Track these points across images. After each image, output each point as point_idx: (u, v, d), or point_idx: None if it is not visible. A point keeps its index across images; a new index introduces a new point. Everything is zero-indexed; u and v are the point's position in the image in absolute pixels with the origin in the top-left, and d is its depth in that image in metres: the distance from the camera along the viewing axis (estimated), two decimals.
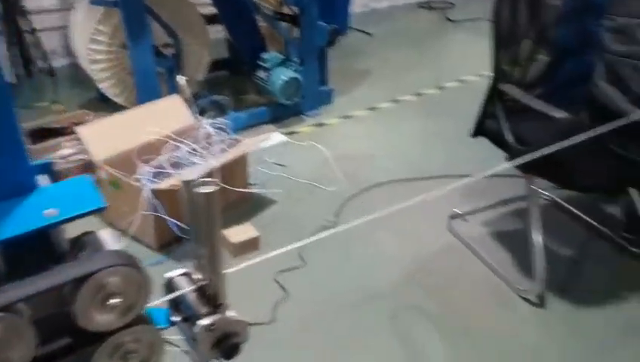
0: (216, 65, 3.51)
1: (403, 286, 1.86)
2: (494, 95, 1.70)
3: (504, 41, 1.67)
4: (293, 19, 2.88)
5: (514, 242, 1.97)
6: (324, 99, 3.15)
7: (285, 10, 2.98)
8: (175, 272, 0.88)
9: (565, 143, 1.26)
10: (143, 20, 2.55)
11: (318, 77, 3.05)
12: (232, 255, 1.94)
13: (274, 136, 2.83)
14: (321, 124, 3.00)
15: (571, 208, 2.08)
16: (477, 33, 3.93)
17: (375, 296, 1.81)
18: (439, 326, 1.69)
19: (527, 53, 1.71)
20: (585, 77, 1.67)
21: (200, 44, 2.96)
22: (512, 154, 1.66)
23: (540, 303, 1.73)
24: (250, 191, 2.27)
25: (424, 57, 3.92)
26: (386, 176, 2.47)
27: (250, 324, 1.73)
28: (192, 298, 0.84)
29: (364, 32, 4.43)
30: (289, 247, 1.08)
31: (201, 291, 0.84)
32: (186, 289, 0.84)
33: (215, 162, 2.00)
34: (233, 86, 3.53)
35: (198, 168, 1.97)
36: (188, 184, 0.74)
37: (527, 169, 1.38)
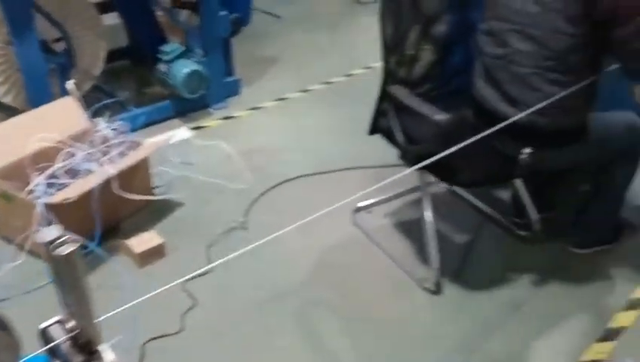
0: (115, 54, 3.34)
1: (309, 283, 1.91)
2: (385, 95, 1.76)
3: (391, 42, 1.71)
4: (193, 6, 2.77)
5: (414, 231, 2.07)
6: (231, 90, 3.09)
7: None
8: (49, 321, 0.86)
9: (449, 146, 1.33)
10: (28, 14, 2.39)
11: (223, 68, 2.98)
12: (137, 265, 1.91)
13: (179, 133, 2.76)
14: (229, 117, 2.96)
15: (465, 195, 2.21)
16: None
17: (282, 295, 1.85)
18: (343, 320, 1.76)
19: (412, 52, 1.76)
20: (467, 76, 1.76)
21: (94, 35, 2.79)
22: (402, 152, 1.74)
23: (436, 290, 1.85)
24: (152, 198, 2.19)
25: (333, 42, 3.93)
26: (295, 170, 2.48)
27: (158, 337, 1.73)
28: (66, 347, 0.83)
29: (271, 14, 4.36)
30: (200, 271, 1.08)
31: (74, 339, 0.83)
32: (59, 339, 0.83)
33: (112, 169, 1.94)
34: (136, 77, 3.39)
35: (92, 178, 1.90)
36: (47, 246, 0.72)
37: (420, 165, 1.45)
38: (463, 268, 1.95)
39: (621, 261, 1.97)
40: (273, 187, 2.38)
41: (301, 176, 2.45)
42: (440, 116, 1.51)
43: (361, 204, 2.18)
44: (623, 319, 1.75)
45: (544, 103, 1.44)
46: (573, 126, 1.60)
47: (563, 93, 1.45)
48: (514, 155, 1.61)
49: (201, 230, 2.10)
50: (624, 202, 1.95)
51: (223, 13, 2.79)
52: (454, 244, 2.05)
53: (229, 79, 3.09)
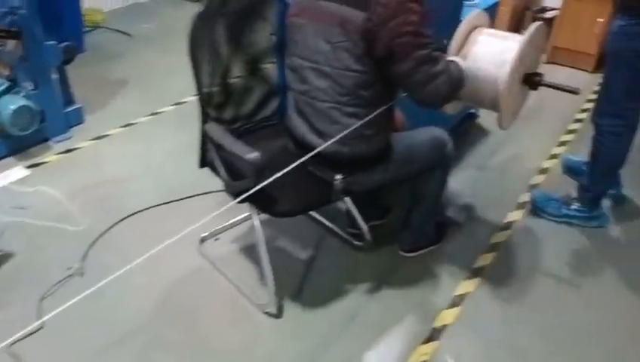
0: None
1: (151, 322, 1.88)
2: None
3: (199, 84, 1.73)
4: (16, 36, 2.58)
5: (256, 256, 2.11)
6: (72, 120, 2.94)
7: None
8: None
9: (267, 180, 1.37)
10: None
11: (59, 98, 2.83)
12: None
13: (13, 173, 2.59)
14: (71, 150, 2.81)
15: None
16: None
17: (123, 338, 1.81)
18: (185, 357, 1.76)
19: (221, 88, 1.80)
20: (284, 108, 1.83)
21: None
22: (225, 187, 1.77)
23: (278, 313, 1.90)
24: None
25: (186, 60, 3.85)
26: (143, 201, 2.41)
27: None
28: None
29: (122, 32, 4.19)
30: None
31: None
32: None
33: None
34: None
35: None
36: None
37: (241, 199, 1.48)
38: (304, 285, 2.03)
39: (446, 259, 2.15)
40: (117, 223, 2.31)
41: (148, 208, 2.40)
42: (251, 155, 1.54)
43: (204, 234, 2.18)
44: (447, 317, 1.92)
45: (341, 135, 1.54)
46: (374, 151, 1.72)
47: (355, 125, 1.55)
48: (329, 180, 1.70)
49: (34, 282, 1.99)
50: (441, 205, 2.14)
51: (50, 42, 2.64)
52: (296, 261, 2.13)
53: (69, 108, 2.93)
